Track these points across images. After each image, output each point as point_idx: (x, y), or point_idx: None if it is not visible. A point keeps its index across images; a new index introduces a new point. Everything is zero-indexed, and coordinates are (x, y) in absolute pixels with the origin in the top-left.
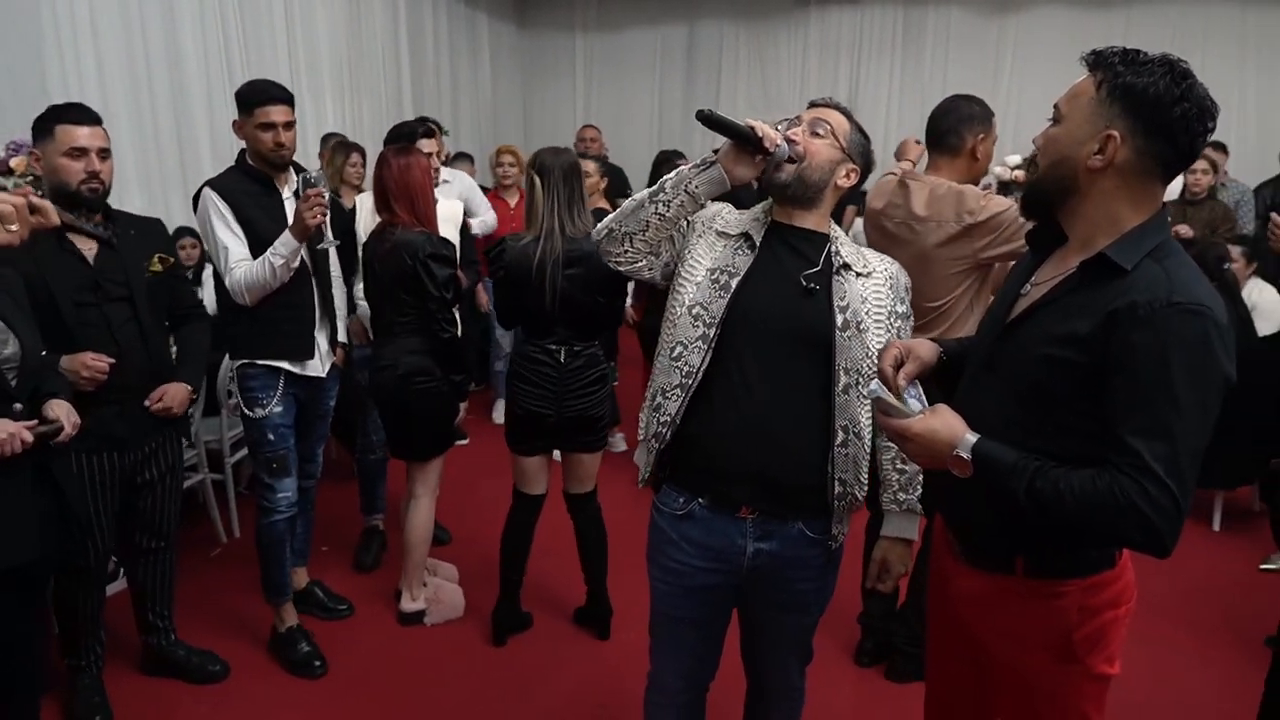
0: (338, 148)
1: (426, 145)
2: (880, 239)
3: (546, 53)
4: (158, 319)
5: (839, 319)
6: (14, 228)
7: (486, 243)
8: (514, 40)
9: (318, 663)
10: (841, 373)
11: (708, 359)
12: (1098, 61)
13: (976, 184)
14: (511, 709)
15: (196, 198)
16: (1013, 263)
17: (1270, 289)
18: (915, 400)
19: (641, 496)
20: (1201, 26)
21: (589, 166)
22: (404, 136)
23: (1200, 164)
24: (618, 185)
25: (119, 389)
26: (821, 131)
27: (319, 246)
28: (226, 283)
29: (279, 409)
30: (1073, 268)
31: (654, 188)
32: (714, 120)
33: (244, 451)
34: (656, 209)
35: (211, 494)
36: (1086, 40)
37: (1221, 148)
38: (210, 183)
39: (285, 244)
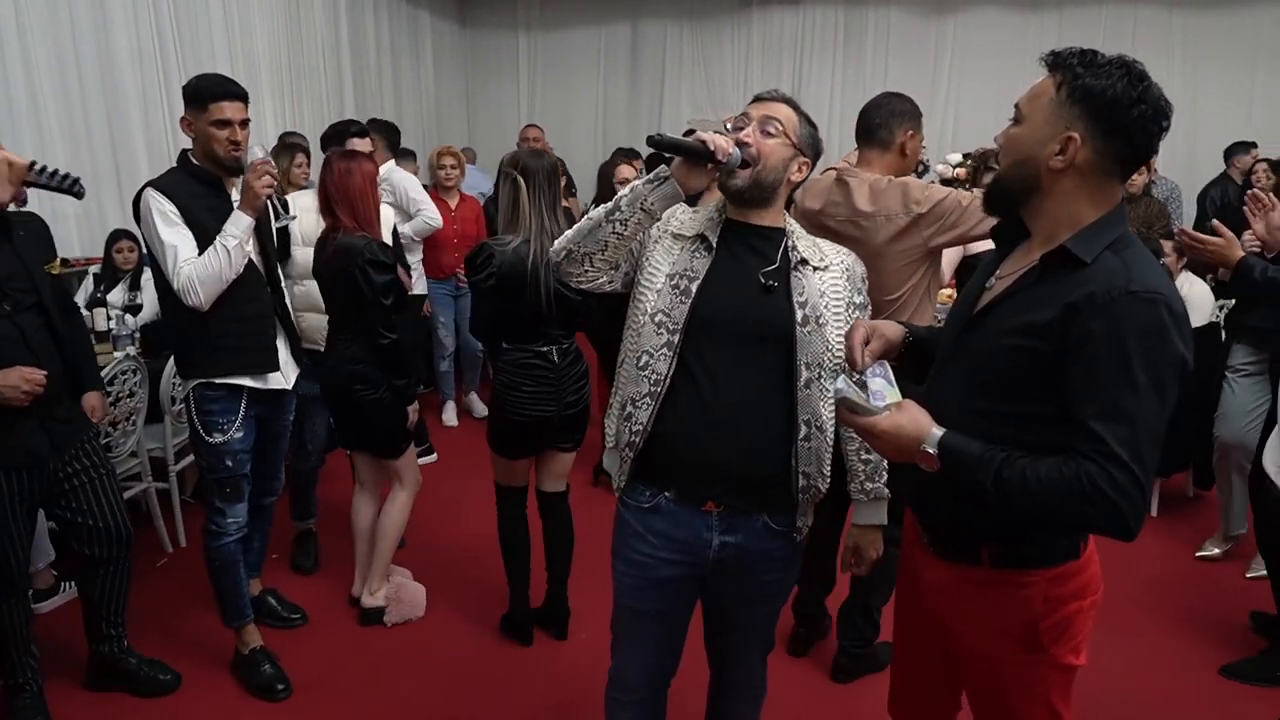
0: (283, 149)
1: (359, 144)
2: (825, 238)
3: (490, 52)
4: (62, 323)
5: (799, 314)
6: None
7: (433, 242)
8: (457, 39)
9: (280, 686)
10: (803, 368)
11: (674, 365)
12: (1057, 62)
13: (905, 176)
14: (468, 710)
15: (137, 201)
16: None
17: (1200, 282)
18: (881, 378)
19: (594, 497)
20: (1131, 27)
21: None
22: (334, 137)
23: None
24: (568, 182)
25: (38, 401)
26: (773, 130)
27: (278, 224)
28: (175, 284)
29: (239, 434)
30: (1035, 261)
31: (609, 206)
32: (665, 144)
33: (190, 459)
34: (614, 228)
35: (156, 503)
36: (1022, 41)
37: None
38: (152, 183)
39: (236, 222)
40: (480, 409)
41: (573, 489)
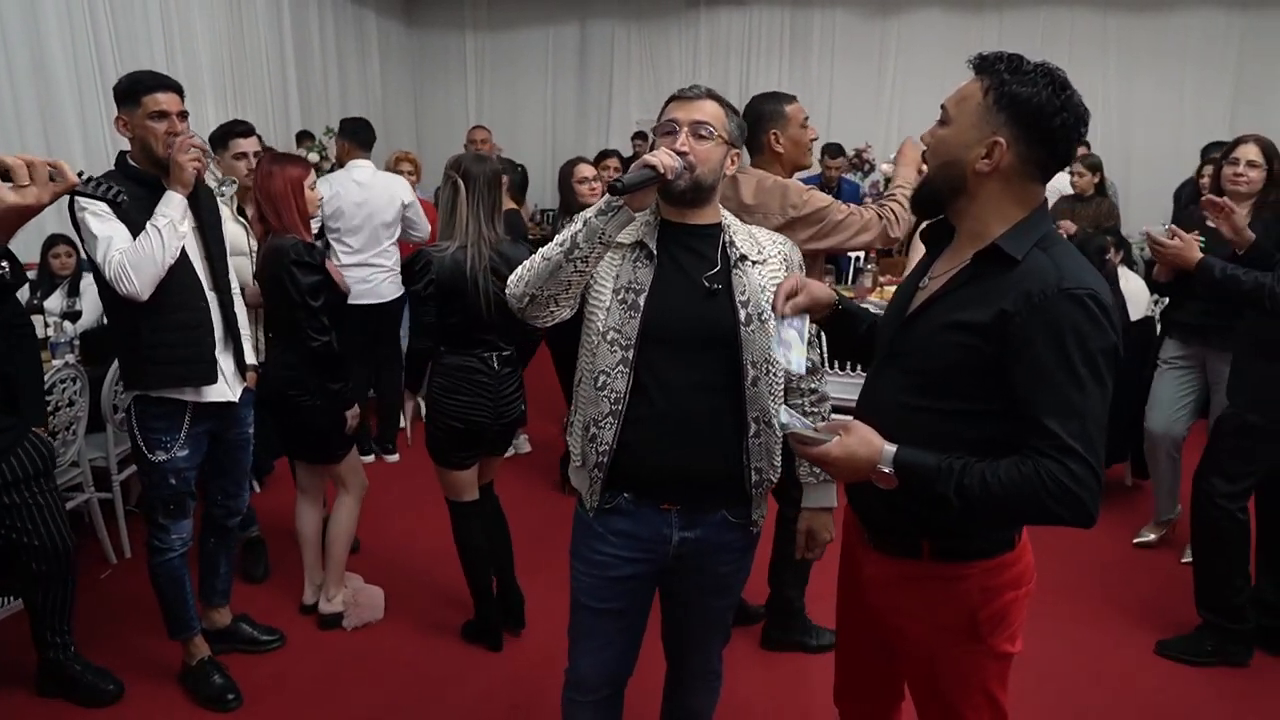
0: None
1: (244, 145)
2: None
3: (437, 52)
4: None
5: (741, 314)
6: (26, 184)
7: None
8: (403, 39)
9: (231, 696)
10: (749, 366)
11: (631, 381)
12: (983, 67)
13: (802, 168)
14: (423, 712)
15: (72, 203)
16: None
17: (1136, 278)
18: (794, 330)
19: (546, 501)
20: (1068, 30)
21: None
22: (219, 139)
23: (1077, 167)
24: (520, 183)
25: None
26: (705, 133)
27: (220, 190)
28: (107, 273)
29: (183, 452)
30: (966, 260)
31: (566, 245)
32: (629, 188)
33: (132, 469)
34: (575, 266)
35: (99, 513)
36: (963, 42)
37: (1084, 145)
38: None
39: (168, 201)
40: None
41: (529, 490)
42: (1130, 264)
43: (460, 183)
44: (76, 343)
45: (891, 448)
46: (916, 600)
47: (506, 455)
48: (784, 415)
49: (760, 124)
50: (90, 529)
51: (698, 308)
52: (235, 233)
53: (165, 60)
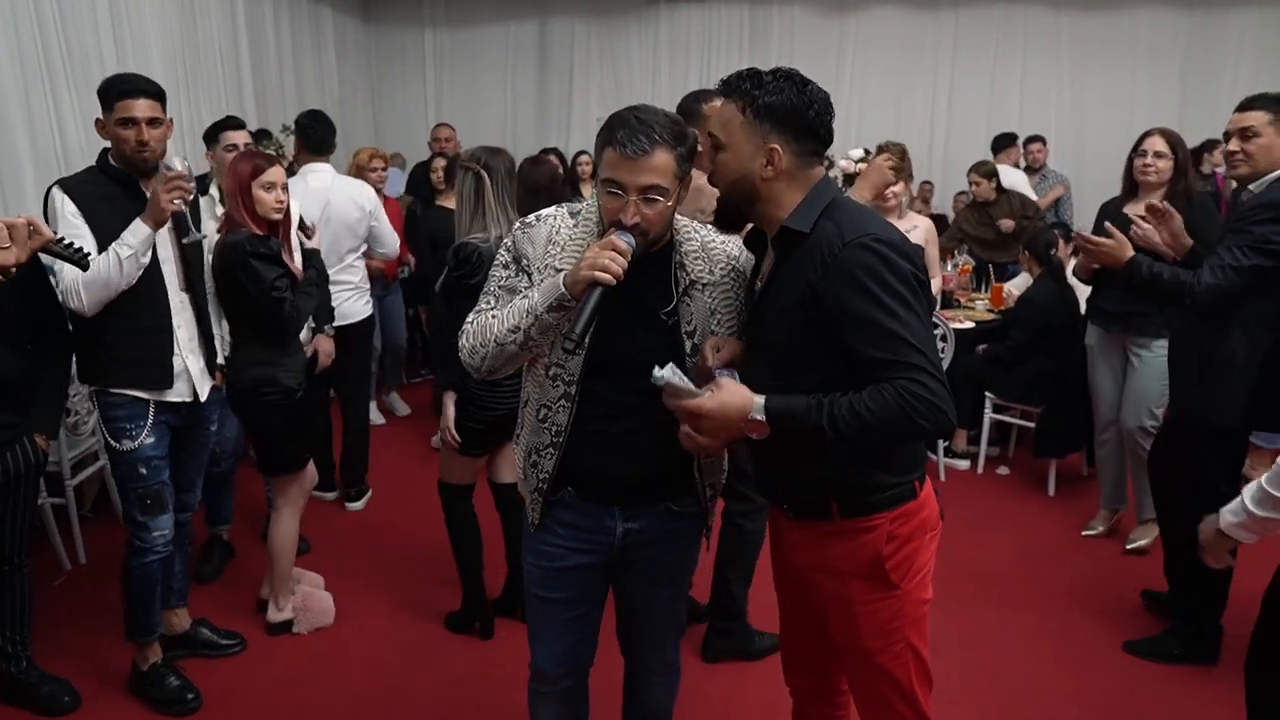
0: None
1: (235, 138)
2: None
3: (395, 49)
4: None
5: (687, 345)
6: (7, 245)
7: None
8: (360, 35)
9: (190, 695)
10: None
11: (572, 415)
12: (730, 90)
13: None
14: (388, 713)
15: (47, 196)
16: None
17: None
18: (728, 379)
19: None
20: (1022, 27)
21: (441, 164)
22: (208, 135)
23: (974, 176)
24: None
25: None
26: (656, 196)
27: (185, 240)
28: (59, 286)
29: (150, 439)
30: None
31: (518, 337)
32: (586, 329)
33: (87, 472)
34: (530, 350)
35: (53, 519)
36: (920, 39)
37: (1040, 139)
38: (60, 182)
39: (135, 232)
40: (403, 408)
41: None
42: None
43: (484, 174)
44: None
45: (761, 397)
46: (829, 555)
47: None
48: (663, 369)
49: (691, 123)
50: (44, 534)
51: (645, 339)
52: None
53: (115, 57)
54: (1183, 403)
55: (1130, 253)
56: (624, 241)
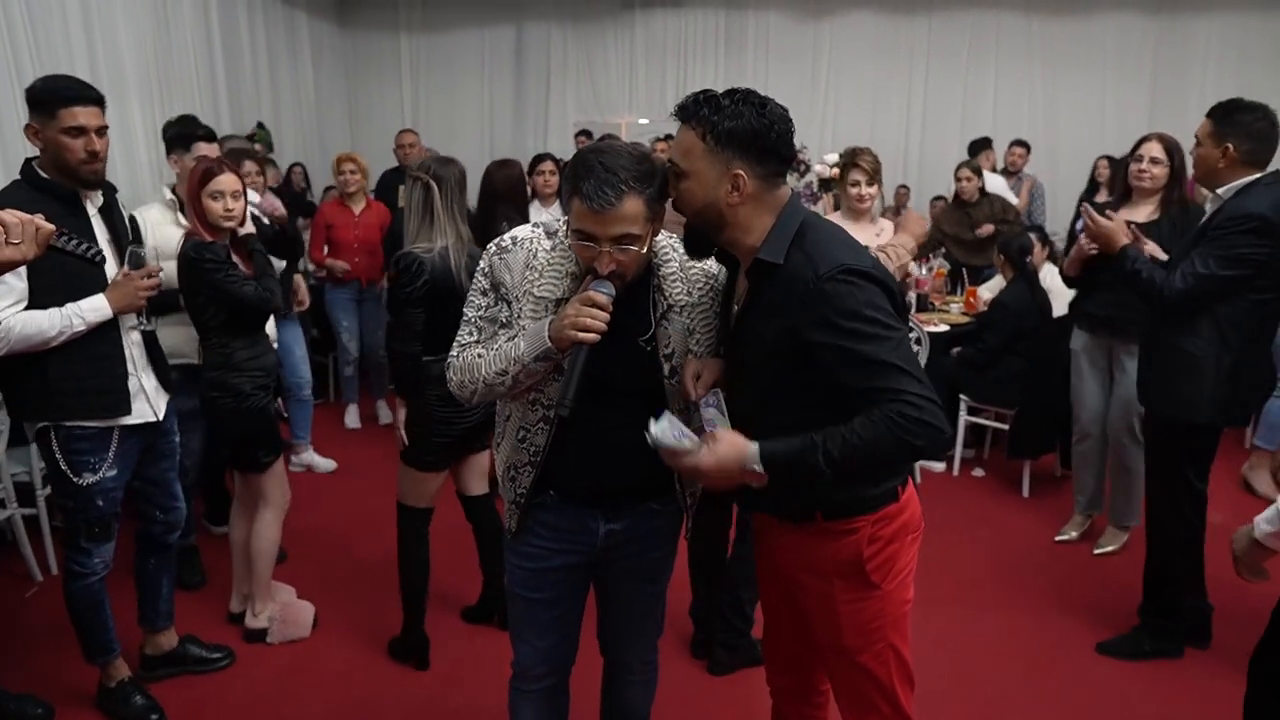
0: (231, 155)
1: (205, 149)
2: None
3: (370, 54)
4: None
5: (665, 368)
6: (17, 241)
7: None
8: (335, 41)
9: (155, 716)
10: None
11: (551, 436)
12: (688, 115)
13: None
14: None
15: None
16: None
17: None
18: (713, 408)
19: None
20: (994, 32)
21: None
22: (176, 140)
23: (963, 172)
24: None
25: None
26: (629, 243)
27: (134, 269)
28: None
29: (112, 473)
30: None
31: (505, 381)
32: (575, 398)
33: None
34: (519, 389)
35: (23, 530)
36: (894, 44)
37: (1023, 144)
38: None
39: (98, 310)
40: (387, 415)
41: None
42: (1055, 260)
43: (433, 185)
44: None
45: (755, 445)
46: (815, 555)
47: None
48: (654, 428)
49: None
50: (14, 546)
51: (622, 364)
52: (173, 236)
53: (87, 62)
54: (1155, 401)
55: (1124, 241)
56: (603, 295)
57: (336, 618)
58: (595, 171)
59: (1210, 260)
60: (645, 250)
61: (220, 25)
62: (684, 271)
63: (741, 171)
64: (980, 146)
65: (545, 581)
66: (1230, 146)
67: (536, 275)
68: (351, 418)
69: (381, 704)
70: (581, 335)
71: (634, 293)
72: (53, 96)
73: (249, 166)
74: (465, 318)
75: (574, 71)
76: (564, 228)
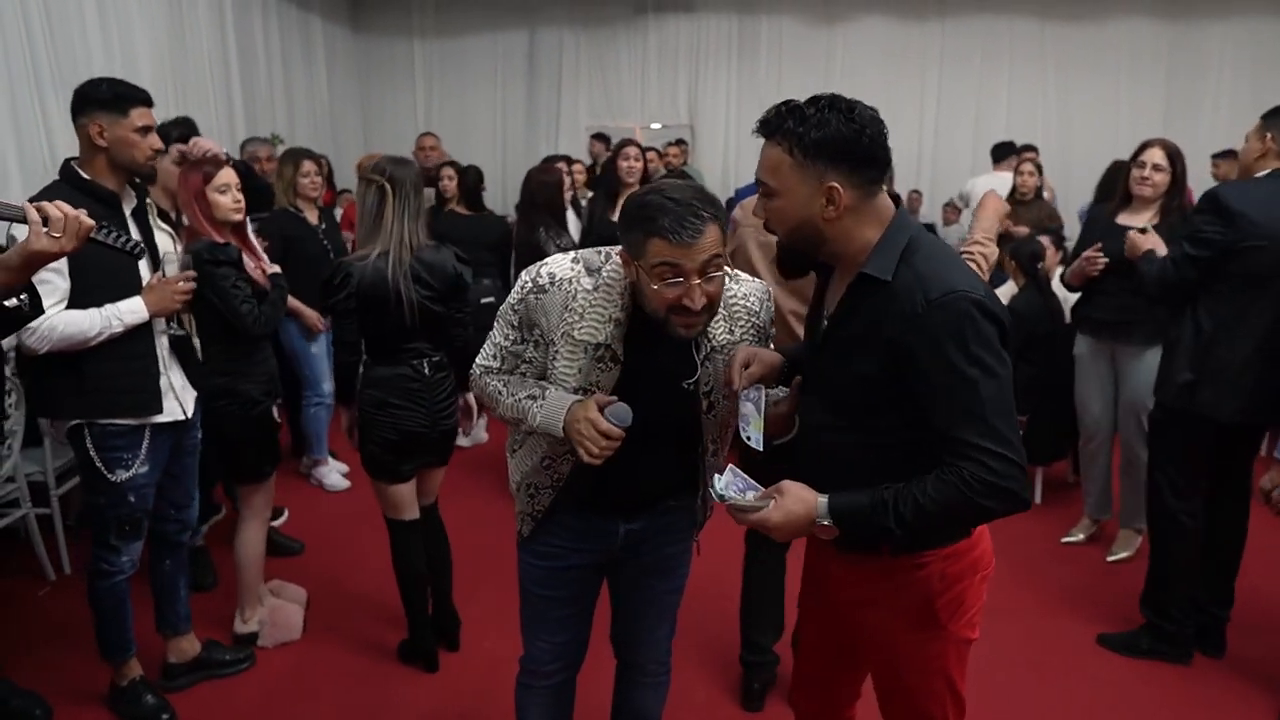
0: (287, 156)
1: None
2: (766, 253)
3: (384, 58)
4: None
5: (704, 404)
6: (58, 235)
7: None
8: (349, 45)
9: (165, 715)
10: (709, 442)
11: (577, 465)
12: (771, 129)
13: None
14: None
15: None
16: None
17: None
18: (752, 405)
19: (487, 515)
20: (1008, 37)
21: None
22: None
23: (1026, 166)
24: (471, 183)
25: None
26: (713, 272)
27: (162, 331)
28: (33, 323)
29: (145, 469)
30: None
31: (520, 424)
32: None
33: (72, 483)
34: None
35: (37, 529)
36: (906, 49)
37: (1032, 148)
38: (35, 200)
39: (136, 313)
40: None
41: (472, 497)
42: (1067, 264)
43: (388, 187)
44: (12, 355)
45: (824, 499)
46: (879, 591)
47: (465, 444)
48: (718, 484)
49: None
50: (28, 545)
51: (661, 405)
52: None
53: (104, 66)
54: (1158, 391)
55: (1148, 245)
56: (619, 427)
57: (342, 620)
58: (668, 208)
59: (1180, 243)
60: (722, 277)
61: (235, 30)
62: (728, 310)
63: (836, 184)
64: (1004, 152)
65: (562, 580)
66: (1270, 135)
67: (576, 318)
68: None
69: (389, 704)
70: (586, 458)
71: (677, 342)
72: (126, 97)
73: (306, 166)
74: (492, 338)
75: (586, 76)
76: (606, 264)
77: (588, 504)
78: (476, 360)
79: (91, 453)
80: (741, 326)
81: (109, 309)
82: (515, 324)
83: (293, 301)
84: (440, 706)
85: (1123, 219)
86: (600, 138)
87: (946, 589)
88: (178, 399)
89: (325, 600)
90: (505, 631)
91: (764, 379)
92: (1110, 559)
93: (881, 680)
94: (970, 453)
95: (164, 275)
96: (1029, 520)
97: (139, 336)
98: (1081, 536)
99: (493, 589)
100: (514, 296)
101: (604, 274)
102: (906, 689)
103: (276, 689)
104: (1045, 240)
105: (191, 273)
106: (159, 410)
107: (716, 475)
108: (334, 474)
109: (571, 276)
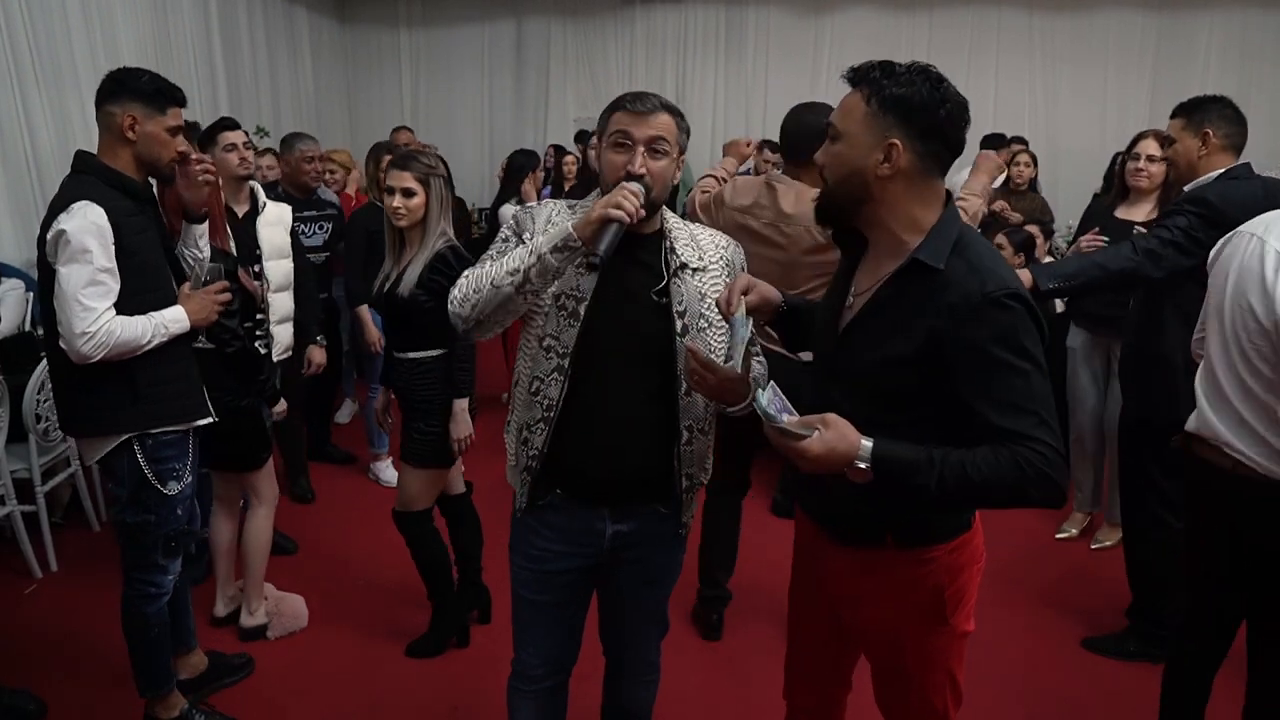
0: (373, 151)
1: (233, 138)
2: (746, 239)
3: (370, 49)
4: None
5: (678, 325)
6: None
7: None
8: (335, 36)
9: None
10: (684, 377)
11: (565, 389)
12: (859, 77)
13: None
14: (365, 717)
15: (53, 217)
16: None
17: None
18: (742, 327)
19: (487, 515)
20: (995, 29)
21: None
22: (204, 138)
23: (1023, 157)
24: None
25: None
26: (661, 149)
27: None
28: (84, 326)
29: (190, 478)
30: (886, 273)
31: (516, 277)
32: (608, 253)
33: (58, 479)
34: (525, 297)
35: (22, 527)
36: (894, 39)
37: (1021, 140)
38: (91, 198)
39: (179, 322)
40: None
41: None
42: (1053, 255)
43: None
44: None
45: (869, 441)
46: (883, 585)
47: None
48: (762, 399)
49: (814, 140)
50: (13, 542)
51: (637, 318)
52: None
53: (88, 58)
54: (1131, 405)
55: None
56: (636, 185)
57: (339, 611)
58: (634, 93)
59: (1156, 237)
60: (672, 167)
61: (220, 21)
62: (694, 240)
63: (897, 141)
64: (995, 143)
65: (551, 583)
66: (1209, 132)
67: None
68: (344, 414)
69: (391, 698)
70: (612, 212)
71: (646, 250)
72: (166, 95)
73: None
74: (484, 256)
75: (574, 67)
76: (583, 202)
77: (575, 487)
78: (465, 271)
79: (145, 468)
80: (711, 255)
81: (156, 318)
82: (507, 236)
83: (362, 313)
84: (434, 696)
85: (1121, 212)
86: (583, 137)
87: (952, 581)
88: (208, 401)
89: (324, 598)
90: (507, 628)
91: (759, 310)
92: (1094, 546)
93: (881, 672)
94: (1027, 441)
95: (206, 283)
96: (1021, 514)
97: (181, 340)
98: (1074, 531)
99: (493, 590)
100: (507, 220)
101: (580, 205)
102: (908, 681)
103: (283, 683)
104: (1034, 229)
105: (225, 283)
106: (207, 414)
107: (760, 390)
108: (390, 469)
109: (555, 206)
